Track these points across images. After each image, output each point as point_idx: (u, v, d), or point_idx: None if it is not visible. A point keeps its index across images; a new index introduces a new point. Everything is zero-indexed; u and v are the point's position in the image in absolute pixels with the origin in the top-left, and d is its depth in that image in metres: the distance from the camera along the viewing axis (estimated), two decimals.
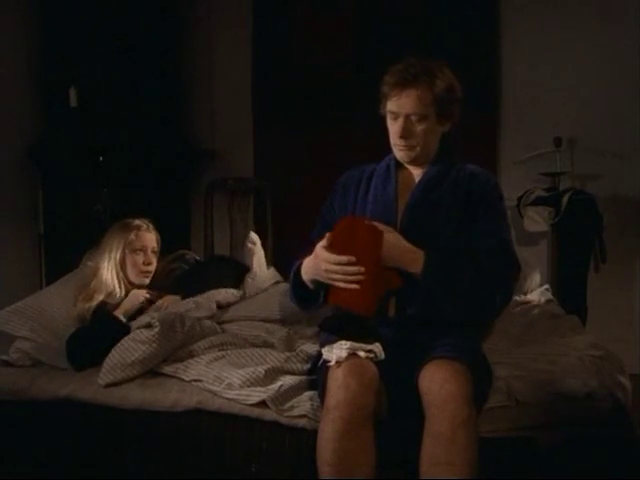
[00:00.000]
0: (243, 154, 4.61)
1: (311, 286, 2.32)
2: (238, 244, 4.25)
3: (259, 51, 4.54)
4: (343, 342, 2.13)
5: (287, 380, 2.35)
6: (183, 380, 2.44)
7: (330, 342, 2.18)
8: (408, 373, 2.14)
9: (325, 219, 2.47)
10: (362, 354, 2.11)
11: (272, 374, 2.38)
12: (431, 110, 2.28)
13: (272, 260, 3.85)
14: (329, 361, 2.13)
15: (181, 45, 4.48)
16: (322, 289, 2.30)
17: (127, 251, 2.89)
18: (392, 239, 2.19)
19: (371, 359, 2.13)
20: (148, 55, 4.07)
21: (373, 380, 2.09)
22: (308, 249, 2.33)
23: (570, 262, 4.19)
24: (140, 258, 2.90)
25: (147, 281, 2.92)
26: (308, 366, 2.44)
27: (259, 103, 4.56)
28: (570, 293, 4.11)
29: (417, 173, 2.40)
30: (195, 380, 2.41)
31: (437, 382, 2.04)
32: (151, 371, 2.50)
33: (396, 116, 2.30)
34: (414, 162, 2.38)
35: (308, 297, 2.37)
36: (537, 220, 4.19)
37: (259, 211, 4.49)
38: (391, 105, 2.30)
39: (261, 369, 2.37)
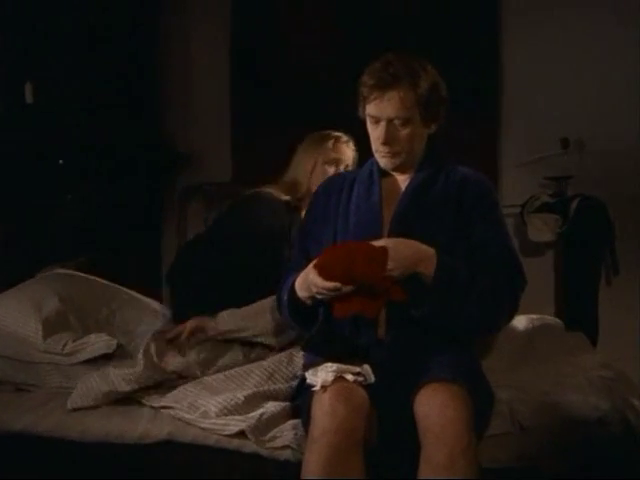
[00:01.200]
0: (221, 157, 4.61)
1: (309, 303, 2.31)
2: None
3: (238, 47, 4.55)
4: (329, 364, 2.12)
5: (269, 407, 2.34)
6: (153, 407, 2.42)
7: (315, 364, 2.17)
8: (401, 397, 2.13)
9: (307, 231, 2.47)
10: (350, 377, 2.11)
11: (253, 400, 2.37)
12: (415, 112, 2.28)
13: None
14: (314, 385, 2.12)
15: (154, 39, 4.48)
16: (321, 305, 2.29)
17: (320, 160, 2.90)
18: (400, 248, 2.18)
19: (360, 382, 2.12)
20: (117, 49, 4.06)
21: (362, 405, 2.08)
22: (296, 264, 2.33)
23: (579, 274, 4.21)
24: (332, 170, 2.89)
25: None
26: (294, 382, 2.42)
27: (238, 102, 4.57)
28: (579, 308, 4.13)
29: (403, 179, 2.40)
30: (166, 407, 2.39)
31: (435, 407, 2.03)
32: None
33: (377, 120, 2.30)
34: (399, 169, 2.39)
35: (306, 314, 2.36)
36: (542, 229, 4.21)
37: None
38: (371, 109, 2.30)
39: (240, 395, 2.37)
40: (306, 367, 2.25)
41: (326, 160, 2.92)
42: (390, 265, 2.15)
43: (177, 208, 4.39)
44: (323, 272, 2.16)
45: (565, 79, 4.35)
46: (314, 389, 2.12)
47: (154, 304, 3.16)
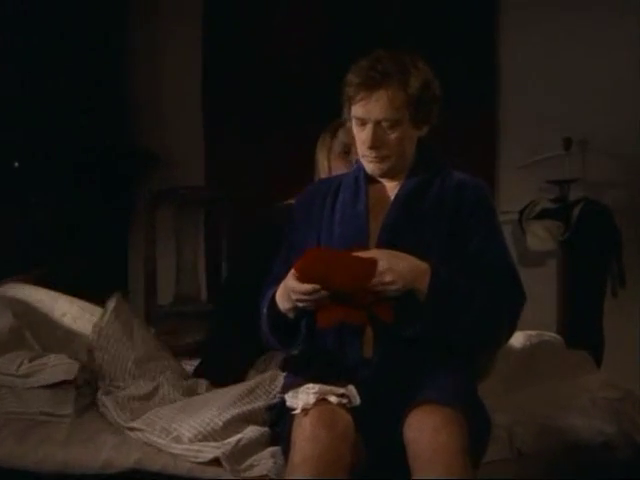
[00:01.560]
0: (193, 159, 4.61)
1: (291, 315, 2.30)
2: (187, 268, 4.23)
3: (211, 44, 4.59)
4: (310, 385, 2.11)
5: (248, 432, 2.33)
6: (119, 429, 2.41)
7: (295, 386, 2.16)
8: (390, 420, 2.12)
9: (290, 242, 2.46)
10: (333, 399, 2.10)
11: (231, 425, 2.35)
12: (405, 114, 2.27)
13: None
14: (294, 409, 2.12)
15: (122, 37, 4.50)
16: (304, 317, 2.29)
17: (333, 154, 2.98)
18: (397, 261, 2.18)
19: (344, 405, 2.12)
20: (82, 46, 4.06)
21: (347, 430, 2.07)
22: (278, 277, 2.32)
23: (583, 286, 4.23)
24: (347, 158, 2.92)
25: None
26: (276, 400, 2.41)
27: (211, 102, 4.59)
28: (583, 323, 4.14)
29: (392, 186, 2.39)
30: (135, 429, 2.38)
31: (426, 431, 2.02)
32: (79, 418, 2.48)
33: (363, 122, 2.29)
34: (388, 174, 2.38)
35: (287, 330, 2.35)
36: (543, 237, 4.22)
37: (212, 228, 4.47)
38: (357, 110, 2.29)
39: (218, 420, 2.35)
40: (286, 389, 2.24)
41: (337, 151, 2.97)
42: (388, 277, 2.15)
43: (145, 214, 4.37)
44: (301, 274, 2.16)
45: (567, 75, 4.39)
46: (294, 413, 2.11)
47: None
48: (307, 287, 2.15)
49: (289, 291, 2.20)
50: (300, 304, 2.20)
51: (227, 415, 2.39)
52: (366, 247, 2.27)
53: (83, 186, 4.07)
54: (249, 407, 2.45)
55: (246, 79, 4.54)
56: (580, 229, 4.16)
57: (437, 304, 2.18)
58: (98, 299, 3.30)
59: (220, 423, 2.34)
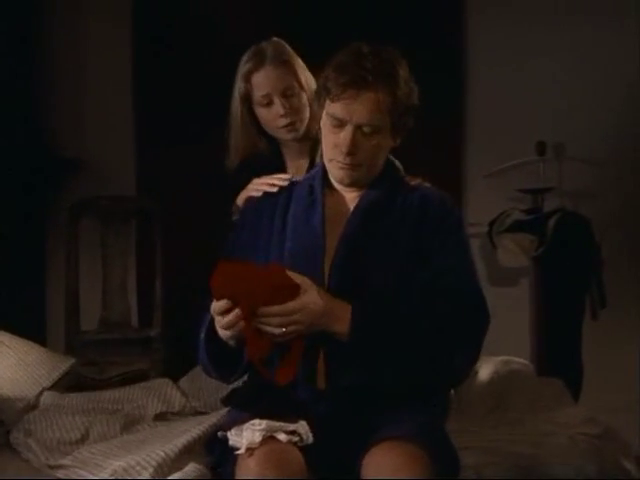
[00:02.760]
0: (121, 165, 4.59)
1: (232, 343, 2.30)
2: (114, 289, 4.20)
3: (142, 39, 4.60)
4: (256, 421, 2.12)
5: (188, 472, 2.31)
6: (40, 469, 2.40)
7: (239, 422, 2.17)
8: (347, 460, 2.14)
9: (234, 258, 2.46)
10: (282, 437, 2.11)
11: (172, 461, 2.34)
12: (388, 120, 2.31)
13: (163, 310, 3.83)
14: (237, 448, 2.12)
15: (39, 26, 4.48)
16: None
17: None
18: (314, 294, 2.19)
19: (295, 443, 2.13)
20: None
21: (298, 471, 2.08)
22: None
23: (559, 307, 4.27)
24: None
25: None
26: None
27: (142, 101, 4.59)
28: (560, 350, 4.18)
29: (352, 197, 2.42)
30: (63, 466, 2.38)
31: (387, 471, 2.03)
32: None
33: (341, 124, 2.31)
34: (356, 184, 2.40)
35: (228, 359, 2.34)
36: (515, 252, 4.26)
37: (144, 241, 4.45)
38: (337, 109, 2.30)
39: (160, 451, 2.34)
40: (229, 426, 2.24)
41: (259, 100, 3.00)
42: (297, 317, 2.15)
43: (66, 226, 4.33)
44: (213, 288, 2.16)
45: (540, 76, 4.44)
46: (238, 452, 2.11)
47: (36, 349, 3.12)
48: (221, 304, 2.15)
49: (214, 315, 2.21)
50: (222, 332, 2.20)
51: (171, 446, 2.38)
52: (320, 265, 2.30)
53: None
54: (198, 432, 2.45)
55: (182, 77, 4.53)
56: (556, 243, 4.20)
57: (361, 345, 2.19)
58: (11, 325, 3.28)
59: (162, 454, 2.33)
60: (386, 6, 4.48)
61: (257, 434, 2.09)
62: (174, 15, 4.61)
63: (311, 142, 2.97)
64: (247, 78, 2.95)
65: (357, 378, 2.22)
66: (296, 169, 2.95)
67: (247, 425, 2.13)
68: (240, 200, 2.79)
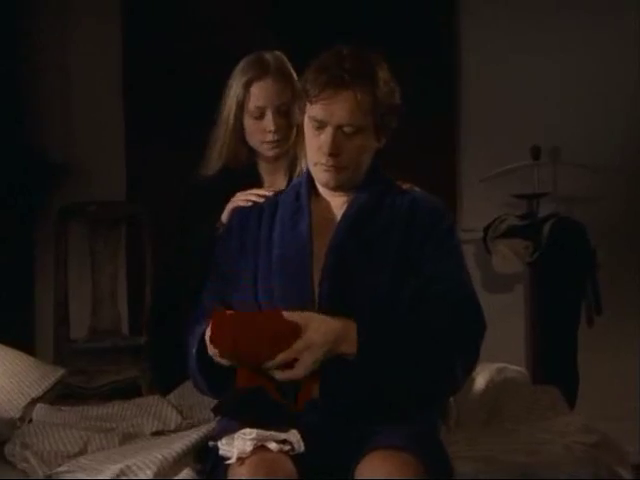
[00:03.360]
0: (111, 170, 4.58)
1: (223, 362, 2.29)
2: (104, 296, 4.19)
3: (133, 39, 4.60)
4: (247, 430, 2.11)
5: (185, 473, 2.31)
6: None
7: (229, 431, 2.16)
8: (339, 469, 2.13)
9: (221, 272, 2.46)
10: (273, 446, 2.10)
11: (175, 462, 2.34)
12: (369, 120, 2.30)
13: (152, 321, 3.81)
14: (228, 458, 2.11)
15: (26, 28, 4.48)
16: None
17: None
18: (315, 326, 2.18)
19: (286, 452, 2.12)
20: None
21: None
22: (209, 308, 2.32)
23: (555, 313, 4.27)
24: None
25: None
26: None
27: (133, 106, 4.58)
28: (555, 356, 4.18)
29: (338, 203, 2.41)
30: (60, 472, 2.38)
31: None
32: None
33: (322, 126, 2.30)
34: (341, 188, 2.39)
35: (220, 374, 2.33)
36: (510, 257, 4.26)
37: (134, 248, 4.44)
38: (317, 111, 2.30)
39: (157, 454, 2.34)
40: (219, 435, 2.23)
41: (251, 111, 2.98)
42: (304, 357, 2.15)
43: (54, 232, 4.32)
44: (211, 340, 2.18)
45: (536, 78, 4.45)
46: (229, 462, 2.10)
47: (25, 359, 3.10)
48: (216, 353, 2.17)
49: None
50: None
51: (169, 451, 2.37)
52: (308, 274, 2.30)
53: None
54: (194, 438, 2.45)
55: (173, 82, 4.53)
56: (551, 249, 4.20)
57: (368, 368, 2.19)
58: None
59: (160, 457, 2.32)
60: (379, 15, 4.48)
61: (248, 443, 2.08)
62: (165, 18, 4.61)
63: (289, 160, 2.97)
64: (247, 86, 2.92)
65: (358, 393, 2.21)
66: (271, 184, 2.93)
67: (238, 434, 2.12)
68: (225, 216, 2.76)
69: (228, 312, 2.22)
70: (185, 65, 4.54)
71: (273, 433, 2.12)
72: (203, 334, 2.27)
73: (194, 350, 2.33)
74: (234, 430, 2.14)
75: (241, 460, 2.07)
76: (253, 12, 4.54)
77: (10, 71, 4.36)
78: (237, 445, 2.09)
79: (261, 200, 2.55)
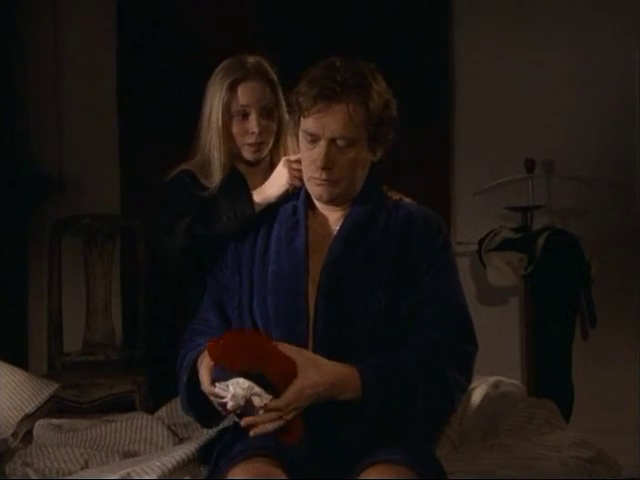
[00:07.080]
0: (105, 183, 4.57)
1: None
2: (98, 309, 4.18)
3: (126, 52, 4.60)
4: (240, 380, 2.06)
5: None
6: None
7: (224, 379, 2.10)
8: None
9: (218, 282, 2.45)
10: (257, 401, 2.05)
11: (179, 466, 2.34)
12: (363, 133, 2.29)
13: (147, 334, 3.81)
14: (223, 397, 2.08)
15: (19, 39, 4.48)
16: None
17: None
18: (309, 375, 2.12)
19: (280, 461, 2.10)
20: None
21: None
22: (205, 321, 2.31)
23: (549, 326, 4.26)
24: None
25: None
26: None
27: (127, 118, 4.58)
28: (550, 369, 4.17)
29: (335, 218, 2.41)
30: None
31: None
32: None
33: (315, 139, 2.30)
34: (336, 201, 2.39)
35: (209, 409, 2.30)
36: (504, 270, 4.26)
37: (128, 261, 4.44)
38: (310, 124, 2.29)
39: (157, 461, 2.35)
40: (215, 381, 2.18)
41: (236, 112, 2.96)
42: (293, 406, 2.08)
43: (48, 246, 4.31)
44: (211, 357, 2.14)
45: (530, 89, 4.46)
46: (222, 401, 2.07)
47: (19, 374, 3.09)
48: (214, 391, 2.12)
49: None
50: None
51: (170, 459, 2.37)
52: (303, 291, 2.29)
53: None
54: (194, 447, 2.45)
55: (169, 94, 4.53)
56: (545, 261, 4.20)
57: (374, 404, 2.16)
58: None
59: (159, 464, 2.33)
60: (372, 29, 4.49)
61: (240, 392, 2.04)
62: (159, 28, 4.60)
63: (267, 164, 2.95)
64: (232, 87, 2.89)
65: (361, 427, 2.19)
66: (251, 188, 2.87)
67: (232, 381, 2.06)
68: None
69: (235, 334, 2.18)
70: (180, 79, 4.53)
71: (264, 393, 2.07)
72: (195, 363, 2.25)
73: (185, 378, 2.31)
74: (228, 378, 2.08)
75: (235, 467, 2.08)
76: (247, 21, 4.53)
77: (3, 85, 4.35)
78: (231, 390, 2.05)
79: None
